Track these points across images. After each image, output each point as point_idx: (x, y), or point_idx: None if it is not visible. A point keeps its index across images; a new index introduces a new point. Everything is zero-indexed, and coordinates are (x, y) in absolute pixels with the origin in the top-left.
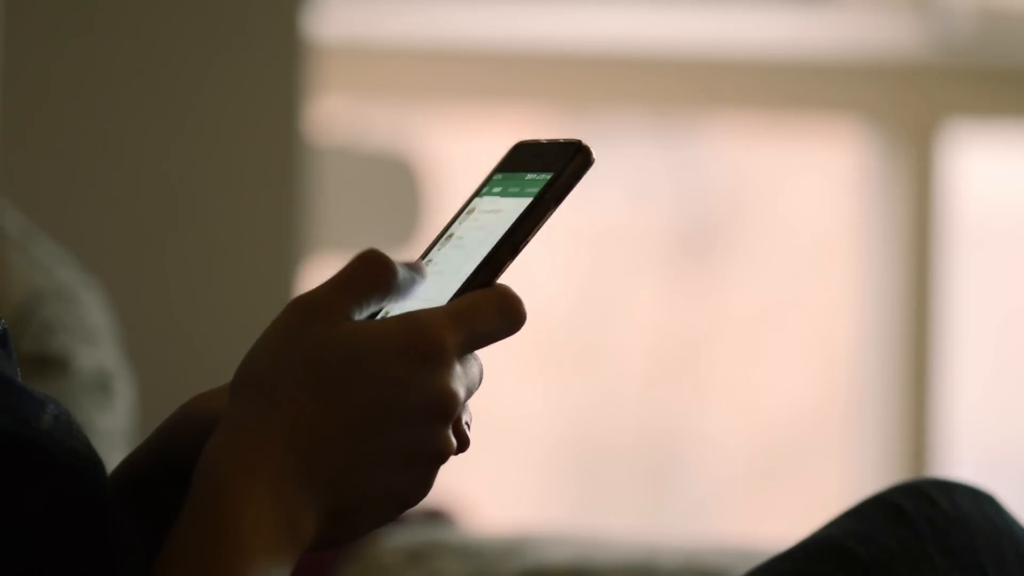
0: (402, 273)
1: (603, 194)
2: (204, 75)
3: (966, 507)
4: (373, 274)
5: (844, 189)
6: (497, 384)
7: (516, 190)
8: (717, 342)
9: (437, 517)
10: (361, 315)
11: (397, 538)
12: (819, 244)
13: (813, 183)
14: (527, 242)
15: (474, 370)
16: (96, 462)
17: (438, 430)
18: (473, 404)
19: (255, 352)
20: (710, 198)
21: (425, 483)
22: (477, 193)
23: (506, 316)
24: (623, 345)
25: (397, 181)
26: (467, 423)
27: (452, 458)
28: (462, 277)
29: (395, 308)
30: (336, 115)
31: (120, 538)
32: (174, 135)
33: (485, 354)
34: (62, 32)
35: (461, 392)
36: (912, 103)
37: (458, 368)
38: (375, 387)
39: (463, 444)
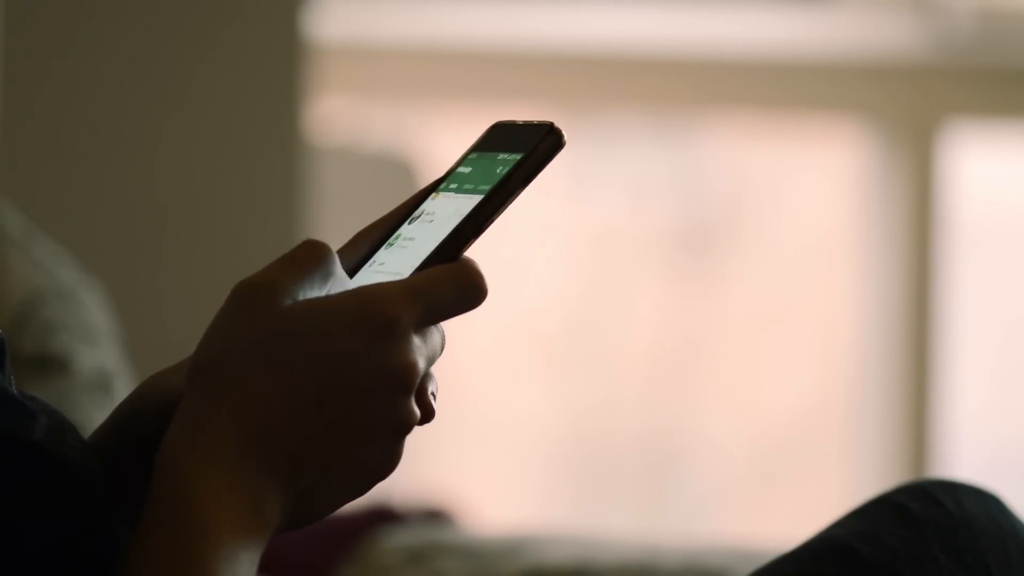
0: (339, 259)
1: (603, 194)
2: (204, 75)
3: (971, 508)
4: (314, 256)
5: (844, 189)
6: (497, 384)
7: (488, 169)
8: (717, 342)
9: (437, 517)
10: (305, 295)
11: (397, 538)
12: (819, 244)
13: (813, 183)
14: (492, 220)
15: (435, 339)
16: (91, 468)
17: (399, 402)
18: (473, 404)
19: (205, 340)
20: (710, 198)
21: (392, 456)
22: (452, 170)
23: (466, 290)
24: (624, 345)
25: (397, 181)
26: (433, 393)
27: (451, 456)
28: (425, 252)
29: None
30: (336, 115)
31: (115, 542)
32: (174, 135)
33: (485, 350)
34: (62, 32)
35: (420, 363)
36: (912, 103)
37: (416, 339)
38: (327, 363)
39: (428, 414)
